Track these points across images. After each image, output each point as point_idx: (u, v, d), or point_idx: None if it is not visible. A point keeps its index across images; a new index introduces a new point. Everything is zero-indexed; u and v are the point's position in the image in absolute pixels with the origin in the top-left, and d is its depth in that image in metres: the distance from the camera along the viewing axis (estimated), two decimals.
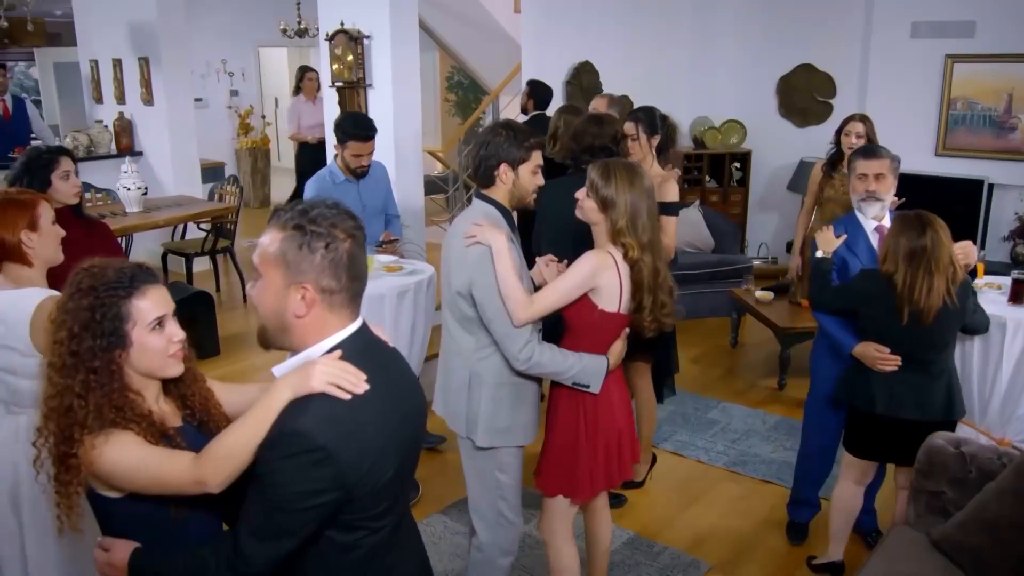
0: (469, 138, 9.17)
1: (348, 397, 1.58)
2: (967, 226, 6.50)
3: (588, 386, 2.64)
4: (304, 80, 8.72)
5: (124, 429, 1.67)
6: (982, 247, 6.30)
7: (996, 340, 3.25)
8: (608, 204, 2.56)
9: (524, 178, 2.64)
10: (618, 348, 2.71)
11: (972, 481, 2.76)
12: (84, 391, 1.66)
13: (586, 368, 2.61)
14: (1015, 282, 3.43)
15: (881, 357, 3.02)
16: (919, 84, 6.78)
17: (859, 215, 3.37)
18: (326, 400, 1.57)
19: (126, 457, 1.65)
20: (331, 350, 1.64)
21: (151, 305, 1.71)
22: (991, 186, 6.46)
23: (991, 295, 3.56)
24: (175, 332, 1.75)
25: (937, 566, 2.64)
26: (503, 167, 2.60)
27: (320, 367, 1.59)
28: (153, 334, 1.71)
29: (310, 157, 8.04)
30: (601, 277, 2.56)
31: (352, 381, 1.59)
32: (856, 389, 3.12)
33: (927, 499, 2.91)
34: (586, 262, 2.57)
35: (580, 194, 2.64)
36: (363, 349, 1.68)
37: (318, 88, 8.32)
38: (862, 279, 3.11)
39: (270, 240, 1.62)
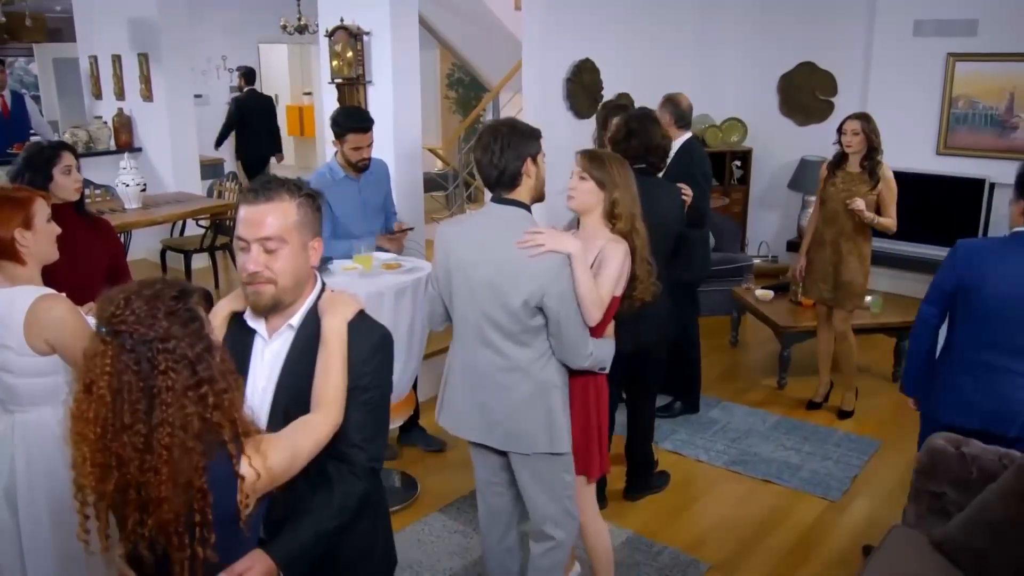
0: (469, 136, 9.15)
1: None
2: (968, 226, 6.49)
3: (605, 368, 2.76)
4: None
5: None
6: None
7: None
8: (606, 183, 2.74)
9: (542, 170, 2.64)
10: (612, 328, 2.84)
11: (973, 482, 2.75)
12: (230, 404, 1.60)
13: (608, 351, 2.75)
14: None
15: None
16: (921, 83, 6.75)
17: None
18: (363, 313, 1.94)
19: (286, 449, 1.70)
20: (323, 286, 1.98)
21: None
22: (992, 185, 6.45)
23: None
24: None
25: (938, 567, 2.62)
26: (528, 163, 2.56)
27: (347, 295, 1.95)
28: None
29: None
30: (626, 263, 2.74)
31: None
32: None
33: (928, 500, 2.90)
34: (620, 249, 2.71)
35: (572, 182, 2.79)
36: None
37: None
38: None
39: (287, 210, 1.85)
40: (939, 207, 6.55)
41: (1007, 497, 2.51)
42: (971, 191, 6.52)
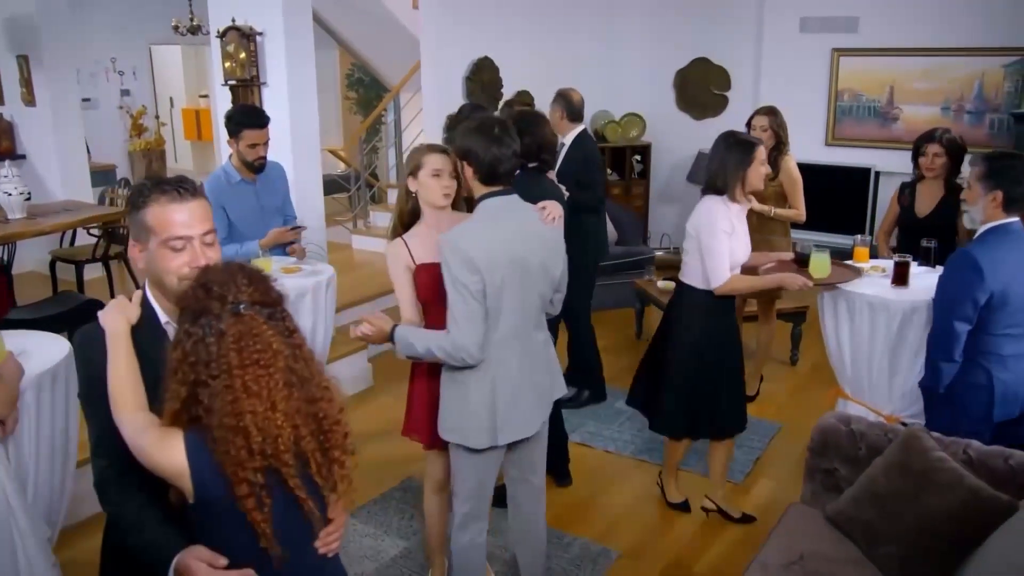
0: (371, 136, 9.05)
1: None
2: (857, 211, 6.79)
3: None
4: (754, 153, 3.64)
5: None
6: (869, 232, 6.57)
7: (881, 320, 3.39)
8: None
9: None
10: None
11: (862, 458, 2.87)
12: None
13: None
14: (897, 265, 3.58)
15: None
16: (809, 77, 7.03)
17: None
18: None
19: None
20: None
21: None
22: (877, 174, 6.75)
23: (875, 278, 3.71)
24: None
25: (832, 541, 2.73)
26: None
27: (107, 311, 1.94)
28: None
29: None
30: None
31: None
32: None
33: (821, 477, 3.01)
34: None
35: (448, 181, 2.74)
36: None
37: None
38: None
39: (207, 204, 1.93)
40: (829, 196, 6.81)
41: (890, 469, 2.64)
42: (858, 179, 6.82)
